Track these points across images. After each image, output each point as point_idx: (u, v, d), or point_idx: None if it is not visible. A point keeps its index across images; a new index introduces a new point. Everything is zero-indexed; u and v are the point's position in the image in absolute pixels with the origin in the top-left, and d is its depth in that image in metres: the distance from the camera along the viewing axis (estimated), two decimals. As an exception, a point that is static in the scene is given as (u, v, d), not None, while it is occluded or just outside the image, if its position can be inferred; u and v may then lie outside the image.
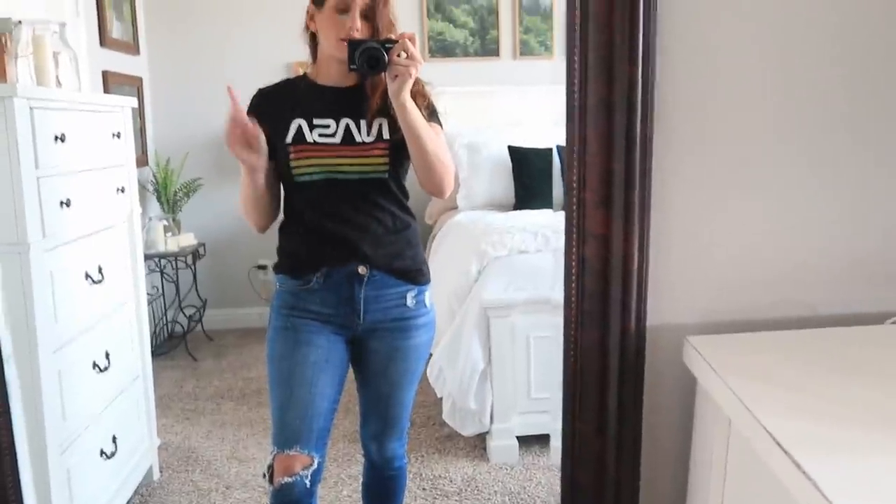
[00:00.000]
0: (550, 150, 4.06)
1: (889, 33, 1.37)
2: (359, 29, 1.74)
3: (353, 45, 1.68)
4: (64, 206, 2.15)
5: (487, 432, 3.07)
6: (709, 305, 1.41)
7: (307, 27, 1.86)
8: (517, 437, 3.05)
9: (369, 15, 1.76)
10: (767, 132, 1.38)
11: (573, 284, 1.33)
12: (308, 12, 1.84)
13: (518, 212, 3.94)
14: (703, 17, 1.32)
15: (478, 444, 3.14)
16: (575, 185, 1.29)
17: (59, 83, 2.37)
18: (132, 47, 4.30)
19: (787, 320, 1.43)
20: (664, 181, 1.35)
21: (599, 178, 1.28)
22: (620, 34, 1.23)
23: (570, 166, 1.30)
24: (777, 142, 1.38)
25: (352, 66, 1.68)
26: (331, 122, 1.79)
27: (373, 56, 1.65)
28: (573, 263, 1.32)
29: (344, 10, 1.75)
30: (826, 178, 1.41)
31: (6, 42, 2.17)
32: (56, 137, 2.11)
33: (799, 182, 1.40)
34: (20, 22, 2.25)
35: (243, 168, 1.77)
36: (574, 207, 1.30)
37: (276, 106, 1.84)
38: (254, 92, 1.90)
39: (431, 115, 1.82)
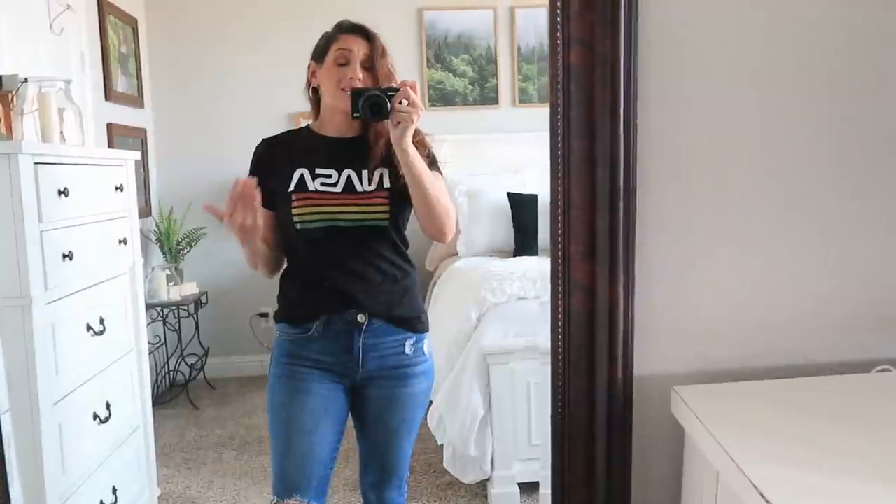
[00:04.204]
0: (535, 196, 4.09)
1: (873, 76, 1.40)
2: (360, 79, 1.80)
3: (355, 93, 1.72)
4: (66, 258, 2.18)
5: (488, 479, 3.05)
6: (696, 354, 1.43)
7: (309, 83, 1.92)
8: (518, 484, 3.03)
9: (369, 66, 1.82)
10: (751, 181, 1.40)
11: (559, 335, 1.35)
12: (310, 69, 1.90)
13: (518, 258, 3.96)
14: (682, 69, 1.36)
15: (479, 492, 3.13)
16: (560, 237, 1.32)
17: (63, 138, 2.42)
18: (137, 100, 4.38)
19: (774, 369, 1.44)
20: (648, 232, 1.37)
21: (584, 231, 1.31)
22: (602, 92, 1.27)
23: (555, 220, 1.33)
24: (761, 191, 1.41)
25: (355, 115, 1.72)
26: (333, 172, 1.83)
27: (375, 103, 1.69)
28: (559, 314, 1.34)
29: (344, 63, 1.82)
30: (811, 227, 1.43)
31: (13, 99, 2.22)
32: (59, 192, 2.15)
33: (784, 230, 1.42)
34: (26, 80, 2.31)
35: (237, 238, 1.75)
36: (560, 260, 1.33)
37: (279, 155, 1.89)
38: (256, 142, 1.95)
39: (432, 163, 1.86)
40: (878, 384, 1.37)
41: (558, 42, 1.26)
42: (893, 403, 1.27)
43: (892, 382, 1.37)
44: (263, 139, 1.95)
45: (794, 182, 1.41)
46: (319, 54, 1.88)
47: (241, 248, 1.83)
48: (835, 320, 1.45)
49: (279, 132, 1.99)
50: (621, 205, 1.29)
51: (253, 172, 1.91)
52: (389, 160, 1.81)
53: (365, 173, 1.83)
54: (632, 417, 1.39)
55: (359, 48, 1.83)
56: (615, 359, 1.34)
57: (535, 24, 4.95)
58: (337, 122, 1.88)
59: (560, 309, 1.34)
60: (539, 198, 4.14)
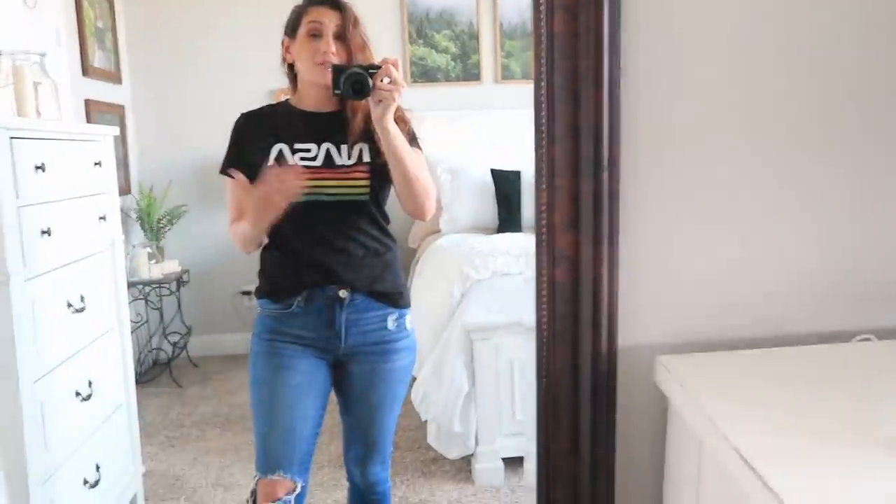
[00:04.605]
0: (520, 172, 4.09)
1: (861, 48, 1.39)
2: (334, 51, 1.78)
3: (337, 70, 1.70)
4: (45, 235, 2.15)
5: (472, 455, 3.07)
6: (680, 325, 1.43)
7: (284, 59, 1.90)
8: (502, 459, 3.05)
9: (342, 36, 1.80)
10: (737, 152, 1.40)
11: (544, 306, 1.35)
12: (283, 44, 1.89)
13: (501, 235, 3.96)
14: (667, 39, 1.35)
15: (463, 467, 3.14)
16: (544, 209, 1.32)
17: (39, 113, 2.38)
18: (114, 76, 4.32)
19: (757, 339, 1.44)
20: (633, 203, 1.37)
21: (568, 202, 1.30)
22: (585, 61, 1.26)
23: (540, 190, 1.32)
24: (747, 162, 1.40)
25: (336, 92, 1.71)
26: (312, 146, 1.82)
27: (357, 81, 1.67)
28: (544, 286, 1.34)
29: (317, 34, 1.80)
30: (795, 199, 1.43)
31: (-14, 73, 2.19)
32: (36, 167, 2.12)
33: (769, 201, 1.42)
34: (0, 53, 2.27)
35: (267, 213, 1.75)
36: (544, 231, 1.32)
37: (258, 130, 1.88)
38: (236, 118, 1.93)
39: (412, 139, 1.85)
40: (860, 353, 1.38)
41: (541, 9, 1.25)
42: (874, 371, 1.28)
43: (873, 351, 1.38)
44: (242, 113, 1.94)
45: (778, 154, 1.41)
46: (291, 28, 1.86)
47: (253, 229, 1.80)
48: (817, 291, 1.46)
49: (258, 106, 1.97)
50: (605, 175, 1.29)
51: (233, 146, 1.90)
52: (368, 135, 1.80)
53: (344, 147, 1.82)
54: (616, 388, 1.39)
55: (330, 19, 1.80)
56: (599, 329, 1.34)
57: (517, 0, 4.92)
58: (314, 96, 1.87)
59: (544, 280, 1.34)
60: (522, 174, 4.14)
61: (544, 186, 1.31)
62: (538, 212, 1.34)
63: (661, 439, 1.43)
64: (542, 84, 1.28)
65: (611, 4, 1.25)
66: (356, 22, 1.83)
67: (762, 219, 1.43)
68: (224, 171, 1.90)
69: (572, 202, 1.30)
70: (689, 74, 1.37)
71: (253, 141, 1.86)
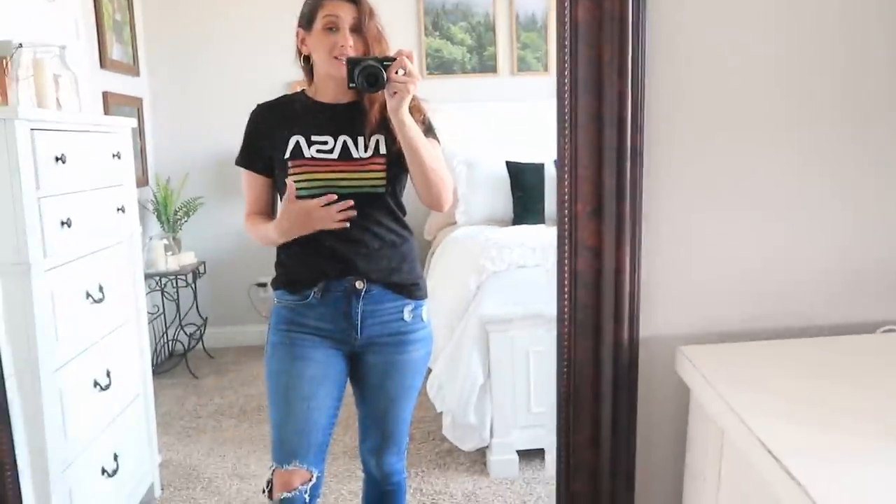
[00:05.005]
0: (543, 164, 4.09)
1: (885, 37, 1.38)
2: (351, 45, 1.78)
3: (351, 63, 1.70)
4: (65, 225, 2.17)
5: (487, 447, 3.07)
6: (702, 316, 1.42)
7: (299, 51, 1.90)
8: (517, 452, 3.05)
9: (358, 29, 1.80)
10: (760, 143, 1.39)
11: (566, 297, 1.34)
12: (298, 36, 1.88)
13: (517, 227, 3.95)
14: (691, 29, 1.34)
15: (478, 459, 3.14)
16: (567, 198, 1.31)
17: (59, 105, 2.40)
18: (132, 69, 4.34)
19: (780, 330, 1.44)
20: (655, 193, 1.37)
21: (591, 191, 1.30)
22: (609, 49, 1.25)
23: (562, 180, 1.32)
24: (770, 153, 1.40)
25: (351, 85, 1.71)
26: (328, 138, 1.82)
27: (372, 74, 1.67)
28: (565, 276, 1.34)
29: (333, 27, 1.79)
30: (820, 190, 1.42)
31: (7, 65, 2.20)
32: (56, 158, 2.13)
33: (792, 192, 1.41)
34: (21, 45, 2.28)
35: (294, 234, 1.81)
36: (566, 220, 1.32)
37: (274, 121, 1.88)
38: (252, 109, 1.94)
39: (428, 130, 1.85)
40: (884, 344, 1.37)
41: (566, -3, 1.25)
42: (899, 363, 1.27)
43: (898, 343, 1.37)
44: (259, 104, 1.94)
45: (804, 144, 1.40)
46: (307, 21, 1.85)
47: (278, 238, 1.85)
48: (840, 282, 1.45)
49: (275, 97, 1.97)
50: (628, 164, 1.28)
51: (249, 137, 1.91)
52: (385, 126, 1.80)
53: (361, 139, 1.82)
54: (637, 378, 1.39)
55: (346, 13, 1.80)
56: (621, 320, 1.33)
57: (533, -8, 4.90)
58: (331, 89, 1.86)
59: (566, 270, 1.34)
60: (538, 166, 4.13)
61: (567, 175, 1.30)
62: (560, 201, 1.33)
63: (682, 430, 1.43)
64: (566, 73, 1.27)
65: (635, -7, 1.24)
66: (371, 14, 1.83)
67: (785, 210, 1.42)
68: (239, 163, 1.92)
69: (595, 191, 1.30)
70: (713, 64, 1.36)
71: (269, 133, 1.86)
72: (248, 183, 1.93)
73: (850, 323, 1.44)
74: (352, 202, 1.77)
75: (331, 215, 1.75)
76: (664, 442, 1.45)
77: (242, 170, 1.92)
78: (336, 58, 1.78)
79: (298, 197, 1.81)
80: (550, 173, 4.06)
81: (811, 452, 0.97)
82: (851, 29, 1.37)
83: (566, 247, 1.33)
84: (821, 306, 1.45)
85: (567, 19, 1.25)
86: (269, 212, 1.96)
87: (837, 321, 1.44)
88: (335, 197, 1.75)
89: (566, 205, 1.31)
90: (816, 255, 1.44)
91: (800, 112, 1.39)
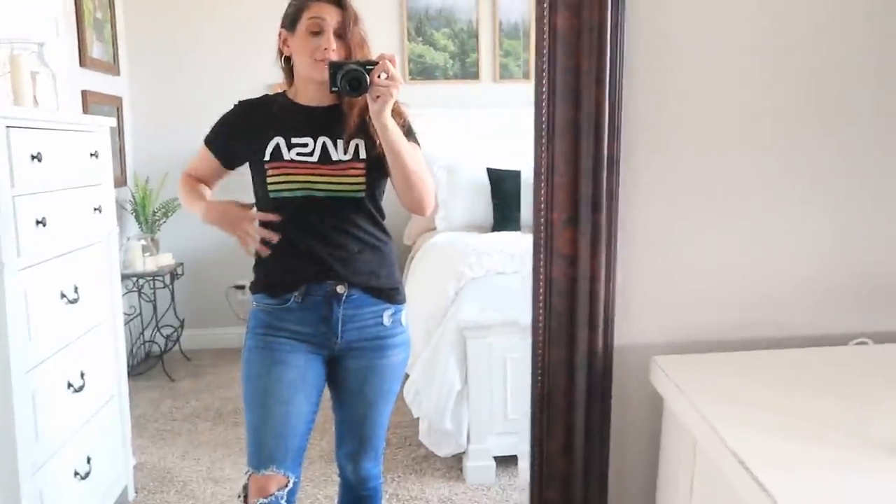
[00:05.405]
0: (520, 172, 4.10)
1: (867, 46, 1.39)
2: (334, 49, 1.77)
3: (334, 66, 1.70)
4: (40, 225, 2.15)
5: (464, 453, 3.07)
6: (676, 325, 1.43)
7: (281, 52, 1.89)
8: (494, 458, 3.05)
9: (342, 34, 1.80)
10: (737, 154, 1.40)
11: (541, 304, 1.34)
12: (281, 36, 1.88)
13: (496, 233, 3.97)
14: (671, 39, 1.35)
15: (454, 465, 3.14)
16: (543, 206, 1.31)
17: (36, 102, 2.38)
18: (112, 67, 4.31)
19: (753, 340, 1.45)
20: (632, 202, 1.37)
21: (567, 200, 1.30)
22: (587, 58, 1.26)
23: (538, 188, 1.32)
24: (746, 164, 1.40)
25: (333, 89, 1.70)
26: (308, 140, 1.81)
27: (354, 78, 1.66)
28: (541, 283, 1.34)
29: (318, 31, 1.79)
30: (794, 202, 1.43)
31: (-17, 61, 2.18)
32: (32, 157, 2.11)
33: (768, 204, 1.42)
34: (-2, 41, 2.26)
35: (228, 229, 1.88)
36: (542, 228, 1.32)
37: (254, 120, 1.88)
38: (234, 104, 1.95)
39: (408, 133, 1.85)
40: (855, 356, 1.38)
41: (544, 6, 1.25)
42: (869, 375, 1.29)
43: (868, 355, 1.38)
44: (241, 101, 1.94)
45: (779, 156, 1.41)
46: (290, 22, 1.84)
47: (187, 208, 2.02)
48: (813, 294, 1.46)
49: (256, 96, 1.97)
50: (605, 173, 1.29)
51: (221, 126, 1.95)
52: (365, 130, 1.80)
53: (340, 142, 1.82)
54: (611, 386, 1.39)
55: (331, 17, 1.79)
56: (595, 328, 1.34)
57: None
58: (311, 92, 1.86)
59: (541, 278, 1.34)
60: (516, 173, 4.14)
61: (543, 184, 1.31)
62: (536, 209, 1.33)
63: (655, 439, 1.43)
64: (544, 81, 1.27)
65: (614, 3, 1.25)
66: (356, 20, 1.82)
67: (760, 221, 1.43)
68: (206, 141, 1.97)
69: (571, 200, 1.30)
70: (690, 74, 1.37)
71: (248, 131, 1.86)
72: (202, 157, 2.00)
73: (823, 335, 1.45)
74: (276, 230, 1.83)
75: (247, 229, 1.82)
76: (637, 450, 1.46)
77: (203, 146, 1.97)
78: (319, 61, 1.78)
79: (277, 199, 1.81)
80: (527, 180, 4.07)
81: (781, 462, 0.98)
82: (833, 40, 1.38)
83: (541, 254, 1.33)
84: (795, 318, 1.46)
85: (546, 28, 1.25)
86: (208, 184, 2.04)
87: (811, 333, 1.45)
88: (277, 219, 1.81)
89: (542, 213, 1.32)
90: (791, 267, 1.45)
91: (779, 123, 1.40)
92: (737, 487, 0.98)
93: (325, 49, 1.77)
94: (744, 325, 1.44)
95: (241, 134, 1.88)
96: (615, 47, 1.26)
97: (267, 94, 1.98)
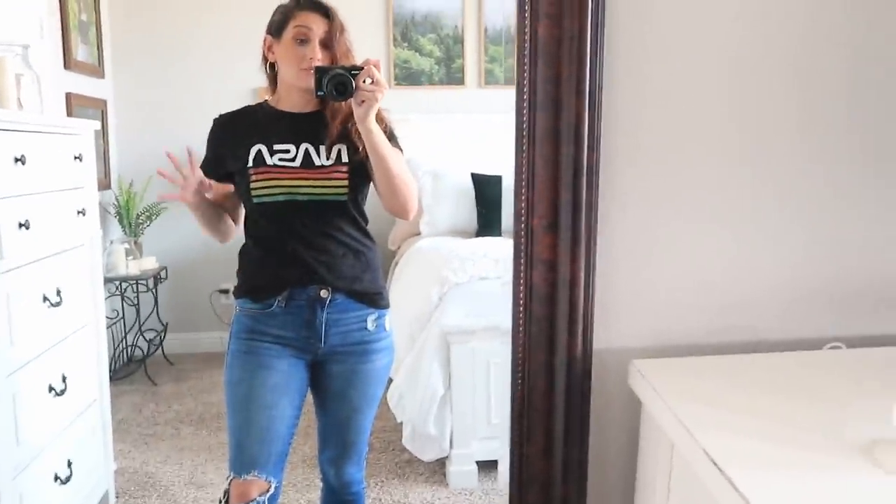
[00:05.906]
0: (501, 177, 4.11)
1: (844, 53, 1.41)
2: (319, 58, 1.79)
3: (319, 71, 1.71)
4: (22, 227, 2.14)
5: (447, 457, 3.08)
6: (655, 329, 1.45)
7: (265, 58, 1.90)
8: (477, 463, 3.06)
9: (328, 44, 1.81)
10: (714, 161, 1.42)
11: (521, 309, 1.36)
12: (266, 43, 1.88)
13: (480, 238, 3.97)
14: (650, 45, 1.36)
15: (437, 470, 3.15)
16: (524, 211, 1.33)
17: (20, 105, 2.37)
18: (97, 70, 4.30)
19: (731, 344, 1.47)
20: (611, 208, 1.39)
21: (547, 206, 1.32)
22: (568, 67, 1.27)
23: (519, 194, 1.33)
24: (724, 170, 1.42)
25: (319, 93, 1.71)
26: (290, 146, 1.82)
27: (340, 82, 1.68)
28: (521, 288, 1.35)
29: (304, 39, 1.80)
30: (771, 208, 1.45)
31: (-33, 64, 2.18)
32: (16, 159, 2.11)
33: (744, 211, 1.44)
34: (-18, 44, 2.26)
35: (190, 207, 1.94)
36: (522, 233, 1.34)
37: (235, 131, 1.88)
38: (212, 121, 1.95)
39: (391, 138, 1.86)
40: (829, 360, 1.40)
41: (526, 15, 1.27)
42: (843, 378, 1.31)
43: (842, 359, 1.40)
44: (219, 115, 1.95)
45: (755, 164, 1.43)
46: (276, 29, 1.85)
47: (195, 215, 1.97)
48: (789, 299, 1.48)
49: (236, 108, 1.98)
50: (584, 180, 1.30)
51: (210, 146, 1.93)
52: (347, 135, 1.81)
53: (323, 148, 1.82)
54: (590, 390, 1.40)
55: (318, 26, 1.81)
56: (575, 333, 1.35)
57: (502, 6, 4.93)
58: (294, 98, 1.87)
59: (521, 283, 1.35)
60: (503, 179, 4.15)
61: (524, 190, 1.32)
62: (517, 215, 1.35)
63: (633, 442, 1.45)
64: (525, 89, 1.29)
65: (594, 13, 1.27)
66: (342, 29, 1.83)
67: (737, 227, 1.45)
68: (203, 169, 1.95)
69: (551, 206, 1.32)
70: (669, 83, 1.39)
71: (231, 146, 1.87)
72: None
73: (798, 339, 1.47)
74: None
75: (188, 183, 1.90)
76: (616, 453, 1.47)
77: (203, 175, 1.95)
78: (304, 69, 1.78)
79: (261, 204, 1.82)
80: (508, 185, 4.08)
81: (755, 463, 0.99)
82: (809, 49, 1.41)
83: (522, 260, 1.35)
84: (771, 322, 1.48)
85: (527, 37, 1.27)
86: (225, 206, 2.02)
87: (786, 337, 1.47)
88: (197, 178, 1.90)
89: (523, 218, 1.33)
90: (767, 272, 1.47)
91: (756, 131, 1.42)
92: (711, 489, 1.00)
93: (311, 58, 1.79)
94: (720, 329, 1.46)
95: (226, 143, 1.89)
96: (595, 56, 1.28)
97: (248, 105, 1.98)
